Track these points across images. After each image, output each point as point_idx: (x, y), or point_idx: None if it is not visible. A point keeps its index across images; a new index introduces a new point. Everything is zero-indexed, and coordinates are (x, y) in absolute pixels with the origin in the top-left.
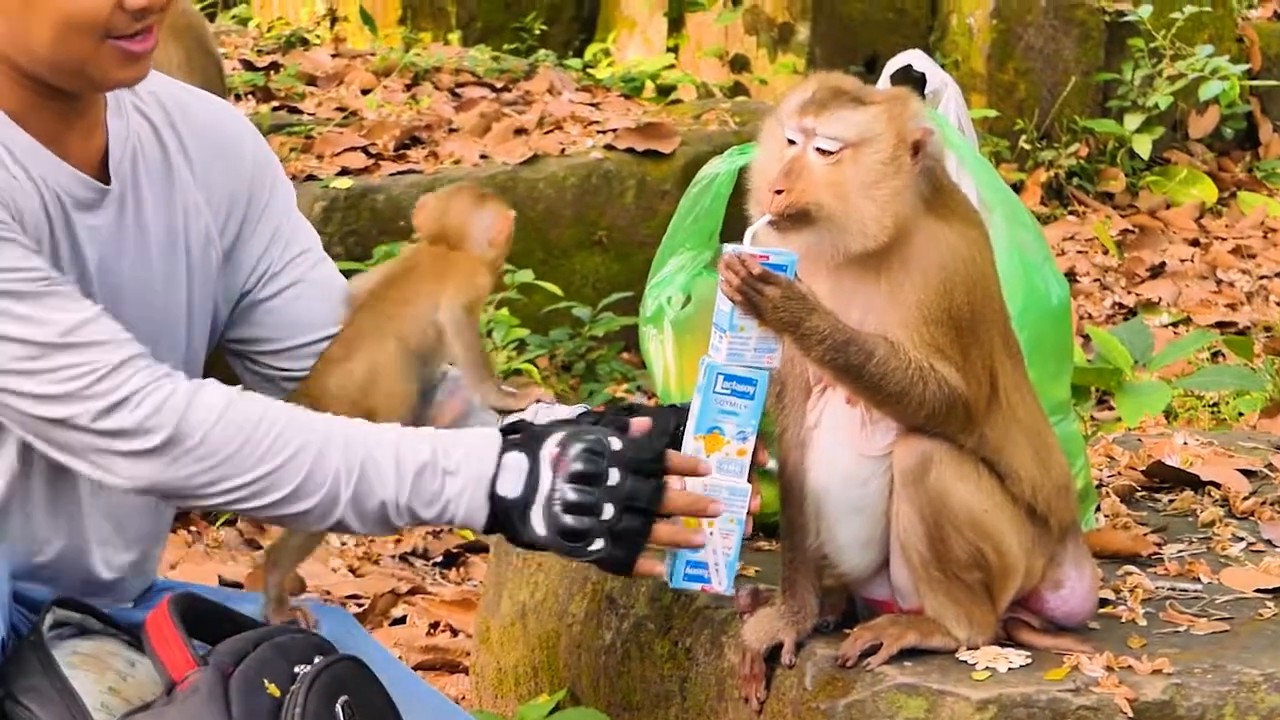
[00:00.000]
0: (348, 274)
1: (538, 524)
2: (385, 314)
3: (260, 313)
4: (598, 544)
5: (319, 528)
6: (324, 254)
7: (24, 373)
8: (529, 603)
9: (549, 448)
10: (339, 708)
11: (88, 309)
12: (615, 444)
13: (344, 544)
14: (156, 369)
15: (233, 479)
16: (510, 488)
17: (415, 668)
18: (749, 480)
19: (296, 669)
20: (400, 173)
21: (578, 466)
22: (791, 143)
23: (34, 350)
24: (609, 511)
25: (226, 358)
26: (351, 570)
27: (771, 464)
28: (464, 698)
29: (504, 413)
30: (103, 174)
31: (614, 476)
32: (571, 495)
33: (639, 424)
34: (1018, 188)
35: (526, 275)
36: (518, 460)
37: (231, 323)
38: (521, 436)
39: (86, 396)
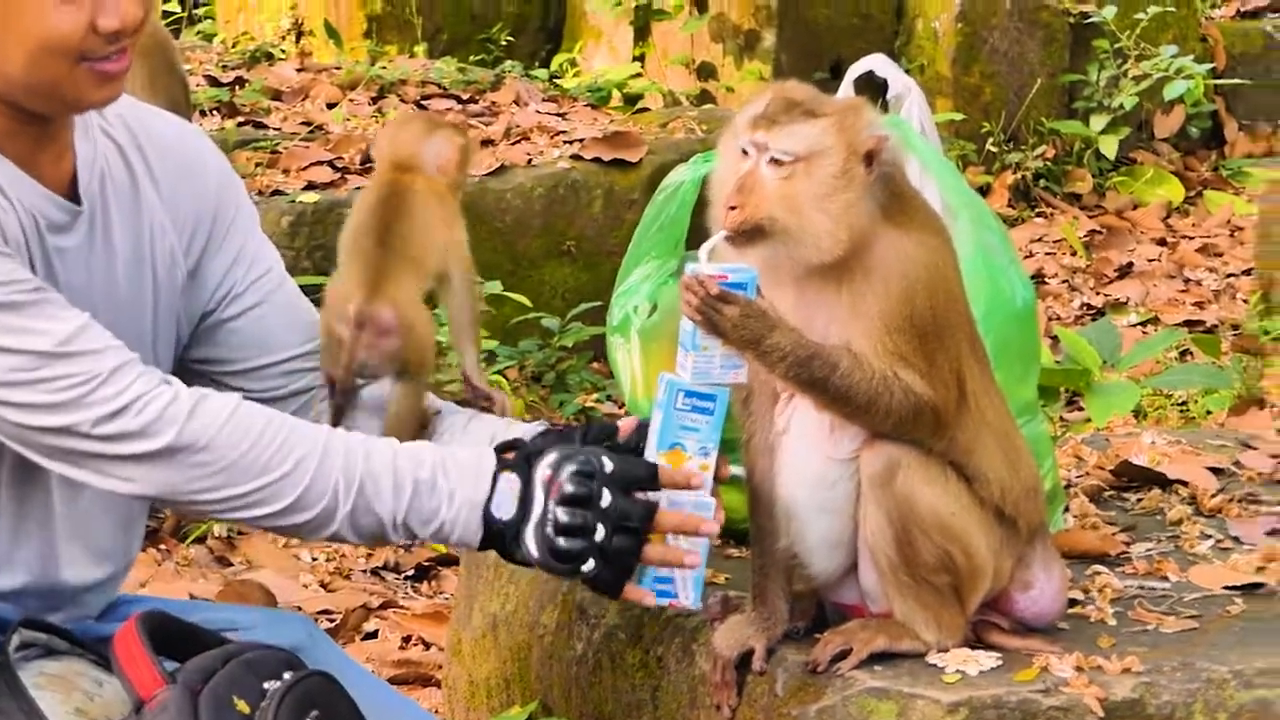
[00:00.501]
0: (315, 289)
1: (530, 545)
2: (401, 253)
3: (223, 333)
4: (589, 564)
5: (312, 539)
6: (286, 275)
7: (23, 384)
8: (500, 614)
9: (542, 470)
10: None
11: (80, 317)
12: (608, 465)
13: (314, 559)
14: (154, 374)
15: (235, 486)
16: (504, 510)
17: (388, 682)
18: (712, 495)
19: (266, 685)
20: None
21: (570, 489)
22: (745, 155)
23: (33, 361)
24: (601, 532)
25: (192, 379)
26: (323, 585)
27: (738, 471)
28: (437, 711)
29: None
30: (72, 196)
31: (606, 497)
32: (564, 517)
33: (628, 424)
34: (985, 190)
35: (495, 286)
36: (510, 482)
37: (194, 342)
38: (515, 457)
39: (87, 404)
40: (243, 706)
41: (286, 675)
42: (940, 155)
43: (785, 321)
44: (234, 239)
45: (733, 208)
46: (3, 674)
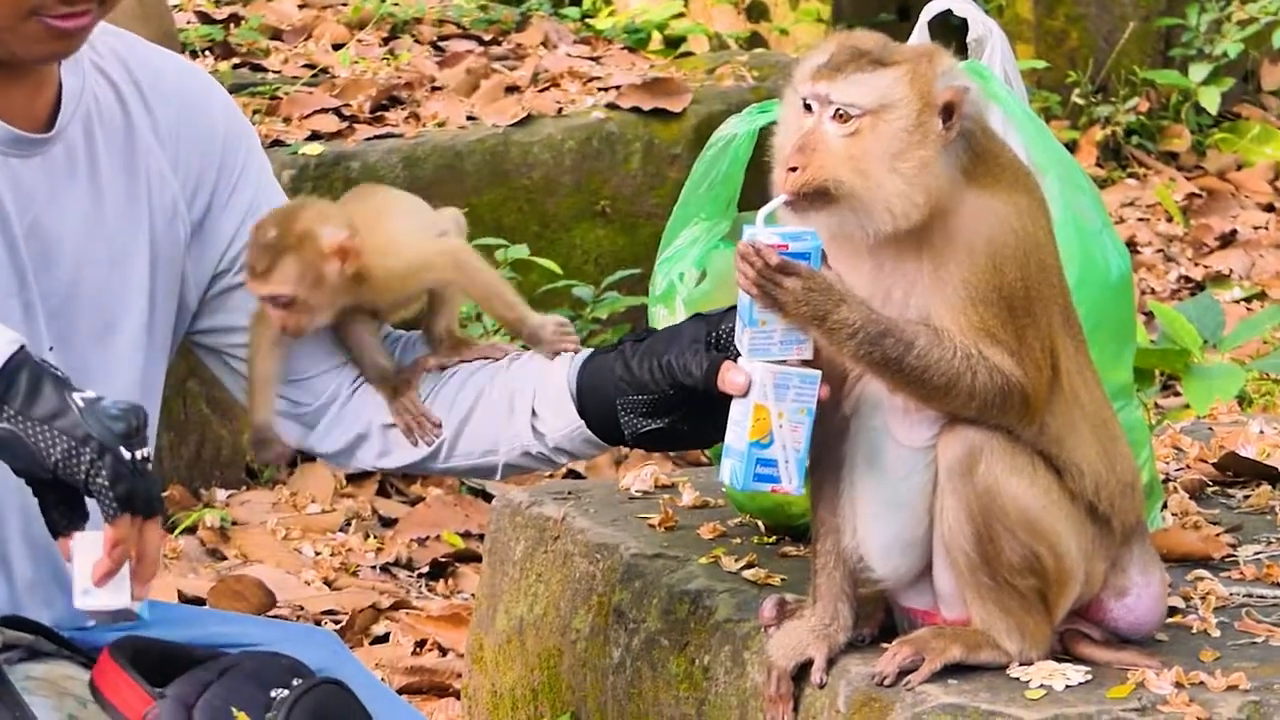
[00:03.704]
0: None
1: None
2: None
3: (237, 298)
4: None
5: None
6: None
7: None
8: (527, 617)
9: None
10: None
11: None
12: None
13: (318, 553)
14: None
15: None
16: None
17: (400, 691)
18: (816, 366)
19: (273, 693)
20: (377, 137)
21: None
22: (809, 110)
23: None
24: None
25: (202, 358)
26: (327, 583)
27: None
28: None
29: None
30: (50, 130)
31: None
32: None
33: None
34: (1071, 148)
35: (521, 251)
36: None
37: (205, 310)
38: None
39: None
40: (243, 718)
41: (295, 683)
42: (1026, 107)
43: (854, 294)
44: (244, 192)
45: (793, 168)
46: None
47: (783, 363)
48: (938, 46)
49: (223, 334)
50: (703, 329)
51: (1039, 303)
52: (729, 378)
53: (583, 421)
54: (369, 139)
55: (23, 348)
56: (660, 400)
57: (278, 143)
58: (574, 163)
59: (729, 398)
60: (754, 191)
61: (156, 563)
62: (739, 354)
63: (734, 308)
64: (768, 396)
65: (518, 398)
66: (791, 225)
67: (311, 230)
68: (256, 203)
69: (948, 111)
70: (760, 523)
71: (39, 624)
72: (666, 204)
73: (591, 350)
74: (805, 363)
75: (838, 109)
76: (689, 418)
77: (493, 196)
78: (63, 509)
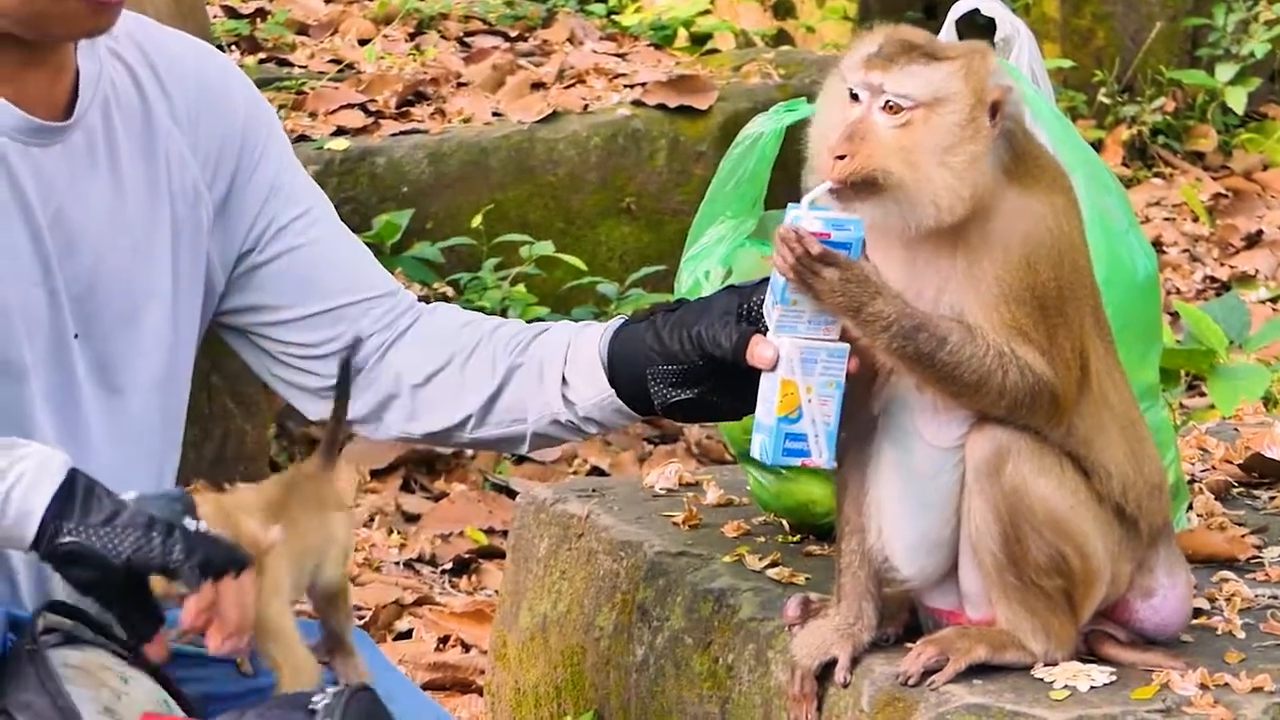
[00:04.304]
0: None
1: None
2: None
3: (262, 277)
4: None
5: None
6: (334, 213)
7: None
8: (551, 614)
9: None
10: None
11: None
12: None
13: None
14: None
15: None
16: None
17: (423, 687)
18: (844, 340)
19: (314, 700)
20: (403, 133)
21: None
22: (855, 100)
23: None
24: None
25: (228, 339)
26: (351, 579)
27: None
28: None
29: None
30: (69, 117)
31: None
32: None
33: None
34: (1097, 147)
35: (546, 247)
36: None
37: (232, 290)
38: None
39: None
40: None
41: (330, 689)
42: (1053, 106)
43: (890, 288)
44: (266, 170)
45: (841, 156)
46: (34, 664)
47: (810, 339)
48: (986, 44)
49: (249, 313)
50: (735, 301)
51: (1071, 303)
52: (757, 351)
53: (613, 391)
54: (394, 135)
55: (73, 468)
56: (690, 371)
57: (303, 138)
58: (599, 159)
59: (758, 371)
60: (780, 190)
61: (245, 615)
62: (769, 328)
63: (767, 280)
64: (795, 371)
65: (548, 366)
66: (835, 213)
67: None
68: (279, 181)
69: (994, 109)
70: (785, 522)
71: (79, 609)
72: (692, 201)
73: (623, 319)
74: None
75: (889, 100)
76: (719, 389)
77: (518, 193)
78: (139, 615)
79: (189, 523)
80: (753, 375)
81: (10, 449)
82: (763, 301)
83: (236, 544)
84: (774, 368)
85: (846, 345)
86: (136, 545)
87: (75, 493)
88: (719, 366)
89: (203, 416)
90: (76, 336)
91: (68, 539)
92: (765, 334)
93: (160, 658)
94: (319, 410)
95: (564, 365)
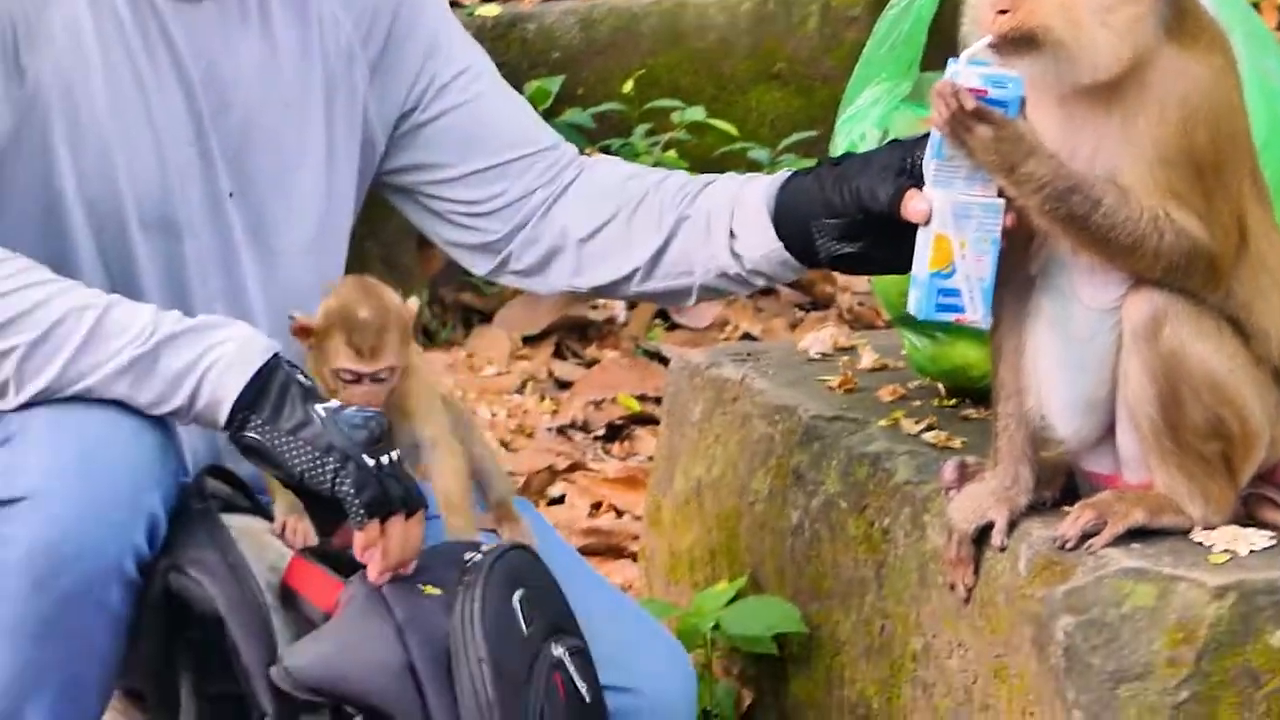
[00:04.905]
0: None
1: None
2: None
3: (425, 135)
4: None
5: None
6: (495, 70)
7: None
8: (705, 479)
9: None
10: (516, 603)
11: None
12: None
13: (494, 416)
14: None
15: None
16: None
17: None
18: (999, 195)
19: (466, 556)
20: None
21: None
22: None
23: None
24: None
25: (392, 199)
26: (503, 444)
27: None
28: (631, 586)
29: None
30: None
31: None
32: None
33: None
34: (1256, 6)
35: (697, 113)
36: None
37: (395, 149)
38: None
39: None
40: (431, 590)
41: (483, 548)
42: None
43: (1044, 147)
44: (423, 28)
45: (1003, 11)
46: (205, 523)
47: (966, 194)
48: None
49: (413, 172)
50: (897, 155)
51: (1229, 167)
52: (911, 205)
53: (781, 243)
54: (546, 1)
55: (276, 355)
56: (851, 224)
57: (454, 4)
58: (750, 25)
59: (915, 225)
60: (936, 53)
61: (408, 554)
62: (925, 182)
63: (929, 135)
64: (948, 225)
65: (715, 219)
66: (994, 69)
67: (398, 304)
68: (437, 39)
69: None
70: (940, 385)
71: (237, 476)
72: (843, 66)
73: (791, 171)
74: None
75: None
76: (882, 243)
77: (668, 59)
78: (320, 509)
79: (368, 457)
80: (913, 230)
81: (211, 330)
82: (924, 157)
83: (412, 484)
84: (928, 222)
85: (1002, 201)
86: (310, 466)
87: (270, 388)
88: (879, 220)
89: None
90: (231, 195)
91: (252, 435)
92: (922, 189)
93: (341, 547)
94: (486, 266)
95: (731, 218)
